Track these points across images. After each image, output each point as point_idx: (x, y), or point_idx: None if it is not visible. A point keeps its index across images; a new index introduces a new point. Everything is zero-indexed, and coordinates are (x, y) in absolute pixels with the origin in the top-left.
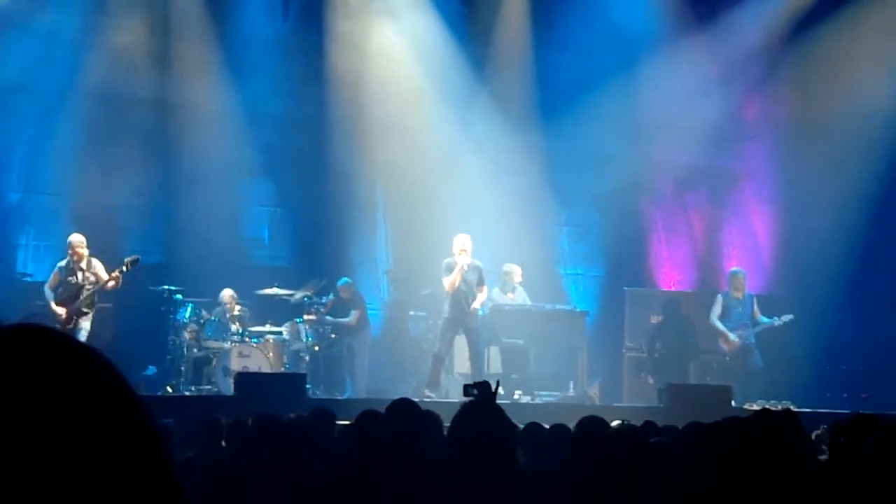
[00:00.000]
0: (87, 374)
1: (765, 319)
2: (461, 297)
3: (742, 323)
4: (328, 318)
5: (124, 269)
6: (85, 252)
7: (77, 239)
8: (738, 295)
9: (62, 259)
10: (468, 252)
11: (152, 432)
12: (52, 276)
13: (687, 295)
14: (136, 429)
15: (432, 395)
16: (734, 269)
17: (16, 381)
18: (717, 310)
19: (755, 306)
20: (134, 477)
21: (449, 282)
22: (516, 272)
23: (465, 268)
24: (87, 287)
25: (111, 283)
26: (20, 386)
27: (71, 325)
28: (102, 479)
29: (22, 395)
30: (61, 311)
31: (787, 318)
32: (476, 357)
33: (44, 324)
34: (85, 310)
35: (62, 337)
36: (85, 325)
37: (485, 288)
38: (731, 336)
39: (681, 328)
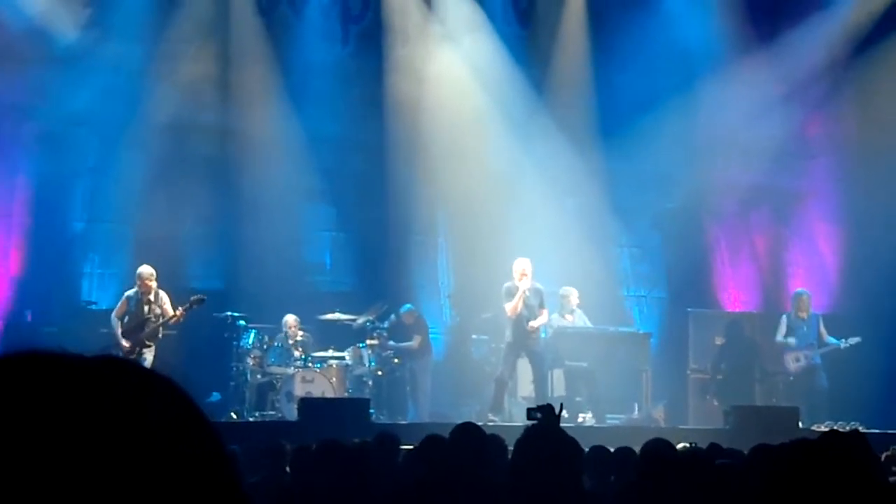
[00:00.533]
0: (168, 407)
1: (832, 340)
2: (523, 321)
3: (808, 343)
4: (391, 343)
5: (189, 307)
6: (154, 284)
7: (147, 271)
8: (804, 315)
9: (130, 288)
10: (529, 276)
11: (227, 460)
12: (119, 304)
13: (751, 316)
14: (212, 457)
15: (496, 419)
16: (798, 290)
17: (101, 412)
18: (782, 330)
19: (821, 327)
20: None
21: (511, 307)
22: (573, 295)
23: (527, 292)
24: (153, 320)
25: (173, 320)
26: (106, 417)
27: (134, 356)
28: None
29: (107, 425)
30: (126, 342)
31: (854, 340)
32: (540, 380)
33: (120, 356)
34: (149, 342)
35: (141, 370)
36: (148, 356)
37: (545, 310)
38: (797, 352)
39: (746, 350)
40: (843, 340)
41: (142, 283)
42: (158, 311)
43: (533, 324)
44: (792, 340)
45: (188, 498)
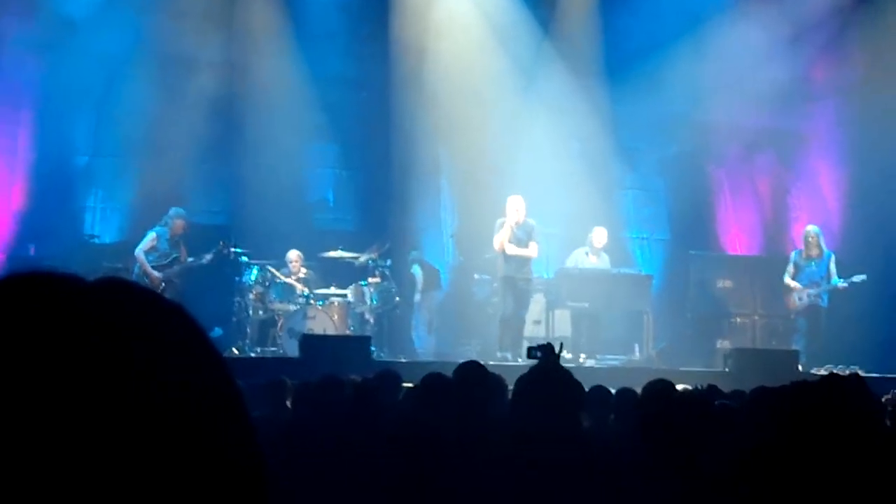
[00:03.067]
0: (177, 332)
1: (835, 281)
2: (511, 258)
3: (813, 282)
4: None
5: (219, 251)
6: (185, 226)
7: (181, 213)
8: (814, 253)
9: (156, 227)
10: (520, 211)
11: (235, 390)
12: (146, 241)
13: (754, 259)
14: (221, 386)
15: (507, 355)
16: (808, 227)
17: (106, 331)
18: (789, 268)
19: (832, 266)
20: (221, 433)
21: (498, 241)
22: (599, 235)
23: (514, 226)
24: (182, 260)
25: (206, 262)
26: (111, 337)
27: (159, 290)
28: (191, 433)
29: (112, 346)
30: (157, 275)
31: (859, 278)
32: (517, 325)
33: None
34: (175, 280)
35: (149, 292)
36: (171, 294)
37: (533, 244)
38: (800, 289)
39: (747, 293)
40: (847, 279)
41: (175, 226)
42: (184, 251)
43: (513, 250)
44: (791, 282)
45: (195, 427)
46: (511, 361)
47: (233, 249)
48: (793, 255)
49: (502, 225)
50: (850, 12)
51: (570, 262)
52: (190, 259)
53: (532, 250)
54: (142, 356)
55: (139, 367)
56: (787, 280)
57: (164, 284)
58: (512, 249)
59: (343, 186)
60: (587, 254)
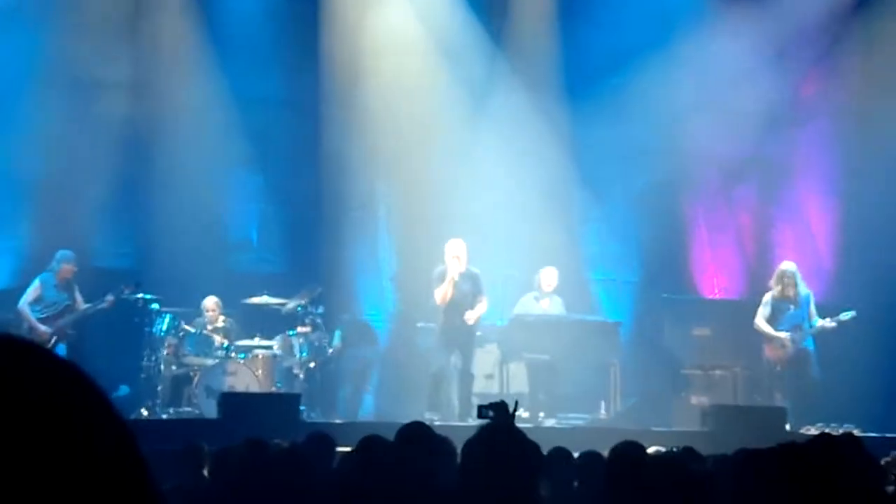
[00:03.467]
0: (72, 396)
1: (815, 322)
2: (455, 311)
3: (795, 325)
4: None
5: (122, 292)
6: (74, 270)
7: (67, 255)
8: (790, 293)
9: (41, 274)
10: (462, 259)
11: (141, 463)
12: (30, 290)
13: (734, 303)
14: (124, 460)
15: (433, 416)
16: (783, 263)
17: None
18: (763, 311)
19: (812, 307)
20: None
21: (440, 294)
22: (548, 276)
23: (457, 277)
24: (74, 307)
25: (105, 306)
26: (5, 404)
27: (50, 346)
28: None
29: (6, 415)
30: (44, 329)
31: (847, 315)
32: (465, 380)
33: (21, 336)
34: (70, 332)
35: (39, 350)
36: (62, 347)
37: (484, 299)
38: (782, 336)
39: (727, 341)
40: (834, 317)
41: (62, 270)
42: (79, 298)
43: (469, 315)
44: (767, 327)
45: (96, 499)
46: (453, 421)
47: (140, 296)
48: (767, 297)
49: (441, 274)
50: (840, 26)
51: (519, 310)
52: (86, 305)
53: (481, 307)
54: (30, 426)
55: (31, 440)
56: (762, 325)
57: (54, 338)
58: (471, 317)
59: (268, 223)
60: (536, 299)
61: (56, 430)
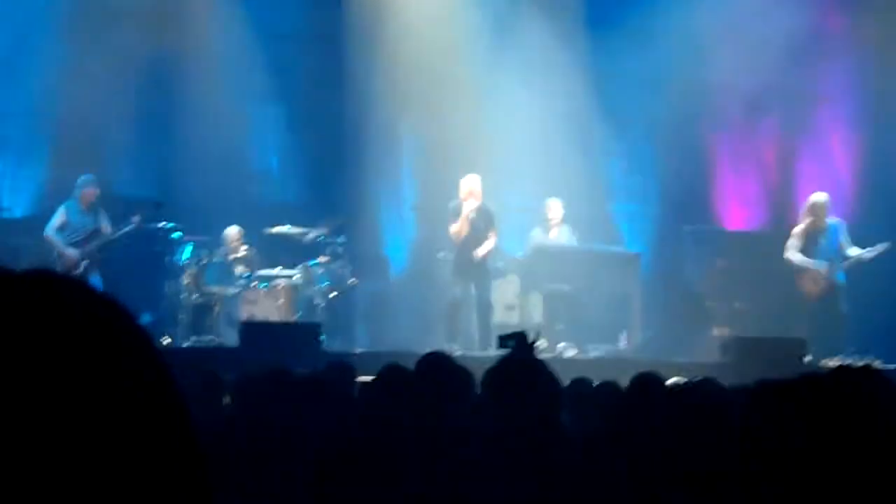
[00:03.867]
0: (113, 334)
1: (848, 252)
2: (468, 246)
3: (827, 258)
4: None
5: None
6: (98, 194)
7: (90, 179)
8: (822, 225)
9: (66, 201)
10: (477, 195)
11: (179, 402)
12: (55, 217)
13: (757, 235)
14: (163, 398)
15: (453, 346)
16: (814, 194)
17: (34, 343)
18: (794, 243)
19: (842, 236)
20: (160, 454)
21: (454, 229)
22: (555, 207)
23: (472, 213)
24: (103, 231)
25: (132, 228)
26: (44, 339)
27: (79, 271)
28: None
29: (45, 350)
30: (72, 252)
31: (882, 246)
32: (483, 312)
33: (59, 272)
34: (98, 256)
35: (81, 285)
36: (96, 277)
37: (494, 234)
38: (820, 268)
39: (748, 273)
40: (868, 248)
41: (85, 195)
42: (104, 222)
43: (478, 251)
44: (801, 257)
45: (133, 434)
46: (473, 352)
47: (162, 224)
48: (798, 229)
49: (455, 209)
50: None
51: (530, 244)
52: (112, 229)
53: (490, 242)
54: (73, 365)
55: (71, 378)
56: (796, 256)
57: (83, 262)
58: (481, 251)
59: (289, 153)
60: (545, 231)
61: (98, 368)
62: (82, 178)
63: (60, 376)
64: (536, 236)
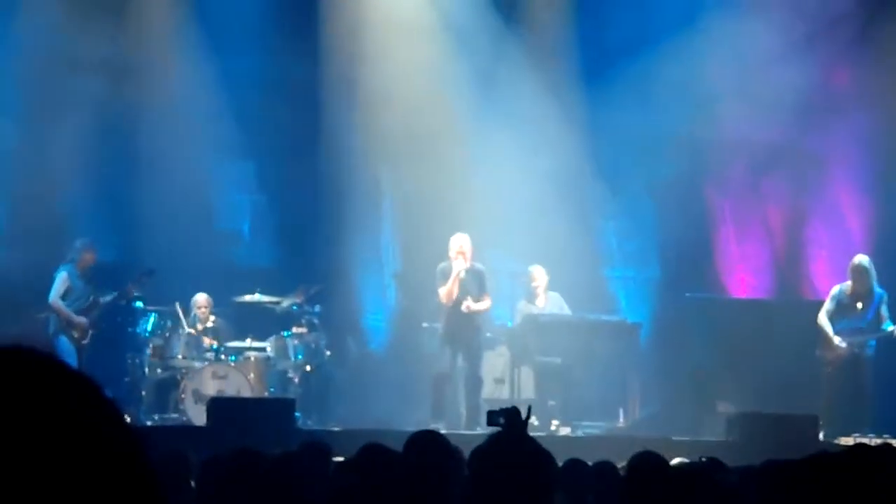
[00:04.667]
0: (88, 409)
1: (888, 325)
2: (459, 309)
3: (858, 328)
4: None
5: (139, 280)
6: (95, 258)
7: (88, 243)
8: (861, 289)
9: (64, 266)
10: (467, 255)
11: (151, 476)
12: (58, 284)
13: (763, 303)
14: (135, 473)
15: (437, 425)
16: (857, 256)
17: (13, 409)
18: (828, 306)
19: (882, 308)
20: None
21: (445, 292)
22: (539, 274)
23: (463, 274)
24: (99, 300)
25: (129, 297)
26: (19, 416)
27: (86, 341)
28: None
29: (21, 426)
30: (82, 320)
31: None
32: (472, 384)
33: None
34: (98, 325)
35: (58, 361)
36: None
37: (487, 296)
38: (834, 339)
39: (755, 344)
40: None
41: (84, 259)
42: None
43: (471, 306)
44: (827, 325)
45: None
46: (460, 429)
47: (150, 271)
48: (836, 290)
49: (445, 271)
50: (877, 5)
51: (519, 318)
52: (107, 297)
53: (485, 304)
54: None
55: (41, 452)
56: (823, 323)
57: (90, 333)
58: (471, 306)
59: (261, 215)
60: (528, 301)
61: (71, 444)
62: (80, 242)
63: (36, 453)
64: (523, 308)
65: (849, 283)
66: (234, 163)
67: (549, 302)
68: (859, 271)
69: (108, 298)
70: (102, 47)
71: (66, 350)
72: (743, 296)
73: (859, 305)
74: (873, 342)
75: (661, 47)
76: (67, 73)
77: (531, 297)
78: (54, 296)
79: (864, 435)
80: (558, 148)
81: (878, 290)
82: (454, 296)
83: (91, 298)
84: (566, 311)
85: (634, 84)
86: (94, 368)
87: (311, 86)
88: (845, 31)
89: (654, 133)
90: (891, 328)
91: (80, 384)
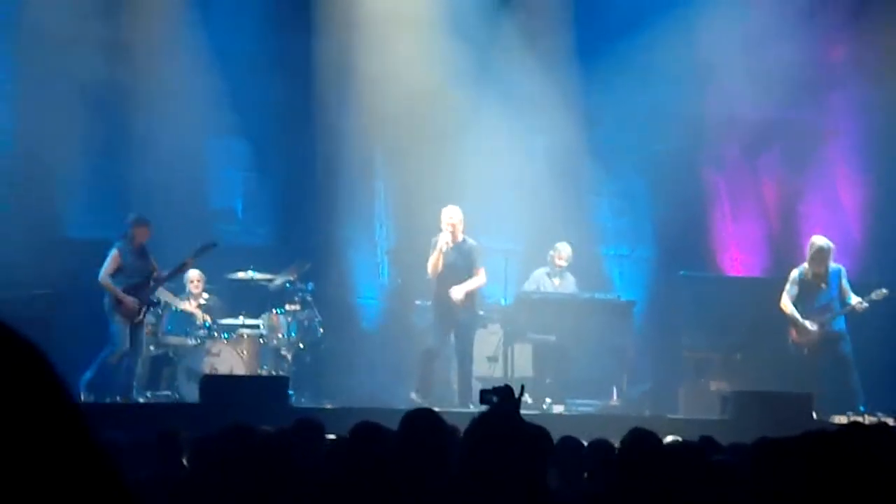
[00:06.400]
0: (22, 381)
1: (849, 300)
2: (446, 284)
3: (825, 306)
4: None
5: (199, 253)
6: (149, 233)
7: (140, 218)
8: (821, 270)
9: (115, 243)
10: (457, 227)
11: (100, 454)
12: (109, 261)
13: (757, 281)
14: (73, 446)
15: (420, 399)
16: (815, 237)
17: None
18: (790, 289)
19: (843, 282)
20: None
21: (431, 264)
22: (561, 253)
23: (446, 247)
24: (155, 274)
25: (185, 269)
26: None
27: (140, 318)
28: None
29: None
30: (133, 300)
31: (879, 293)
32: (462, 359)
33: None
34: (154, 298)
35: (5, 332)
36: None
37: (480, 271)
38: (805, 323)
39: (749, 322)
40: (866, 297)
41: (137, 234)
42: (155, 264)
43: (454, 290)
44: (791, 307)
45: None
46: (452, 407)
47: (212, 244)
48: (795, 273)
49: (437, 243)
50: None
51: (530, 286)
52: (167, 272)
53: (478, 280)
54: None
55: None
56: (788, 307)
57: (143, 310)
58: (457, 292)
59: (254, 192)
60: (548, 275)
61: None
62: (132, 216)
63: None
64: (539, 278)
65: (806, 265)
66: (227, 140)
67: (563, 282)
68: (821, 253)
69: (164, 273)
70: (96, 25)
71: (117, 330)
72: (738, 274)
73: (823, 286)
74: (843, 318)
75: (657, 24)
76: (60, 53)
77: (553, 271)
78: (103, 274)
79: (857, 413)
80: (553, 126)
81: (834, 266)
82: (439, 268)
83: (147, 275)
84: (576, 292)
85: (629, 62)
86: (84, 345)
87: (305, 63)
88: (842, 7)
89: (649, 110)
90: (854, 301)
91: (22, 353)
